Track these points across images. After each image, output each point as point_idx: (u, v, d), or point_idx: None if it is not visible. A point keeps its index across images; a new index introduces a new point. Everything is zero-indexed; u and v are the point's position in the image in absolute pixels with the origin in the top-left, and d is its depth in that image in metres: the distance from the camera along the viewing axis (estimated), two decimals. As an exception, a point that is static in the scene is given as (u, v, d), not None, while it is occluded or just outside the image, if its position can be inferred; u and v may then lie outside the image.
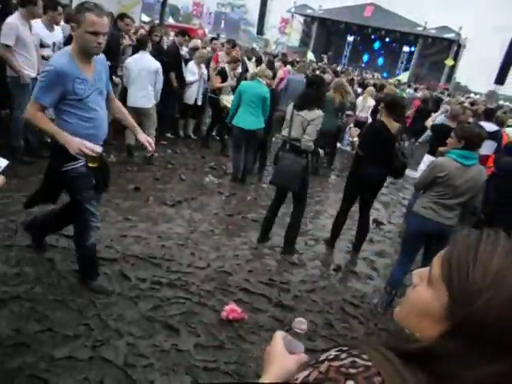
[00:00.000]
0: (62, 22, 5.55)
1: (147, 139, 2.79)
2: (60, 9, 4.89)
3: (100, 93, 2.61)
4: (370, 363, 0.58)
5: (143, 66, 5.45)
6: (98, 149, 2.54)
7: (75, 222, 2.82)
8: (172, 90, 6.50)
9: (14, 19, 4.38)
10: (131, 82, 5.44)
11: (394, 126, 3.96)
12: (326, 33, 37.17)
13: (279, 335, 0.91)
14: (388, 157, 3.88)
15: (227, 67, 6.78)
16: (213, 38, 8.51)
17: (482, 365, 0.53)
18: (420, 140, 7.82)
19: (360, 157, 4.16)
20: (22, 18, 4.41)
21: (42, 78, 2.44)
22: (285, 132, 3.92)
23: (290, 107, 3.89)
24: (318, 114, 3.75)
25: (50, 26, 4.87)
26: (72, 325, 2.55)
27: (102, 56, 2.63)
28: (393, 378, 0.56)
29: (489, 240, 0.60)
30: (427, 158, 5.29)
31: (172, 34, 8.06)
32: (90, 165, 2.52)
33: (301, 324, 0.93)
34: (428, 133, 7.25)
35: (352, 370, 0.57)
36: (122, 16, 6.04)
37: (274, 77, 6.34)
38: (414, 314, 0.64)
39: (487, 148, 5.66)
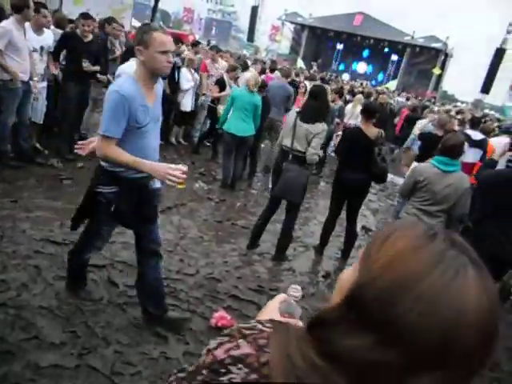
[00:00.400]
0: (52, 27, 5.53)
1: None
2: (44, 11, 4.84)
3: (157, 121, 2.49)
4: (267, 329, 0.66)
5: None
6: (185, 168, 2.31)
7: (81, 237, 2.76)
8: (164, 96, 6.48)
9: (8, 24, 4.37)
10: None
11: (372, 131, 4.00)
12: (316, 41, 37.52)
13: (279, 297, 0.94)
14: (367, 163, 3.93)
15: (225, 76, 6.79)
16: (196, 43, 8.46)
17: (354, 336, 0.55)
18: (404, 146, 7.95)
19: (341, 163, 4.23)
20: (16, 22, 4.40)
21: (107, 107, 2.25)
22: (286, 142, 3.87)
23: (292, 116, 3.86)
24: (322, 127, 3.78)
25: (37, 29, 4.84)
26: (58, 332, 2.52)
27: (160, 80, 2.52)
28: (277, 341, 0.61)
29: (407, 226, 0.61)
30: (414, 166, 5.36)
31: None
32: (179, 187, 2.35)
33: (295, 291, 0.93)
34: (412, 137, 7.39)
35: (248, 332, 0.66)
36: (110, 20, 6.02)
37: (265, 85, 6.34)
38: (336, 292, 0.68)
39: (473, 156, 5.76)
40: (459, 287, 0.53)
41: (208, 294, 3.26)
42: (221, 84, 6.70)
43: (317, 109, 3.80)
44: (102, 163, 2.43)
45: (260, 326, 0.67)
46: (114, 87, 2.29)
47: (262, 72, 9.26)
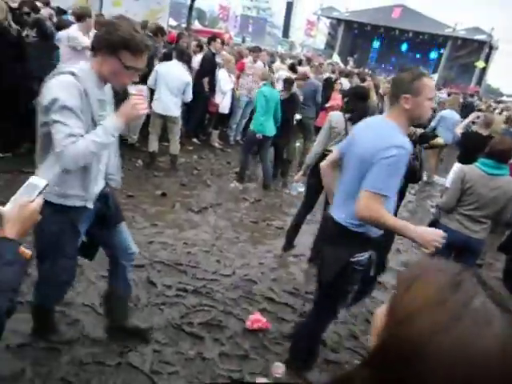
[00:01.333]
0: (94, 30, 5.72)
1: None
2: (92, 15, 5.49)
3: None
4: None
5: (176, 75, 5.38)
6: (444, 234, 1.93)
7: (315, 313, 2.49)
8: (202, 95, 6.55)
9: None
10: (162, 89, 5.35)
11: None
12: (352, 35, 36.84)
13: None
14: None
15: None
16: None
17: None
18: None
19: None
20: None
21: (389, 164, 1.89)
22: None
23: (340, 121, 3.72)
24: None
25: (84, 33, 5.27)
26: (100, 330, 2.61)
27: None
28: None
29: (431, 272, 0.59)
30: (456, 166, 5.17)
31: (194, 43, 7.96)
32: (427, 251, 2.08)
33: (278, 369, 0.94)
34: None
35: None
36: (163, 32, 6.58)
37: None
38: (372, 329, 0.65)
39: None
40: (483, 341, 0.52)
41: (244, 295, 3.28)
42: None
43: (366, 112, 3.75)
44: (344, 222, 2.11)
45: None
46: (396, 142, 1.91)
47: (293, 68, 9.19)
